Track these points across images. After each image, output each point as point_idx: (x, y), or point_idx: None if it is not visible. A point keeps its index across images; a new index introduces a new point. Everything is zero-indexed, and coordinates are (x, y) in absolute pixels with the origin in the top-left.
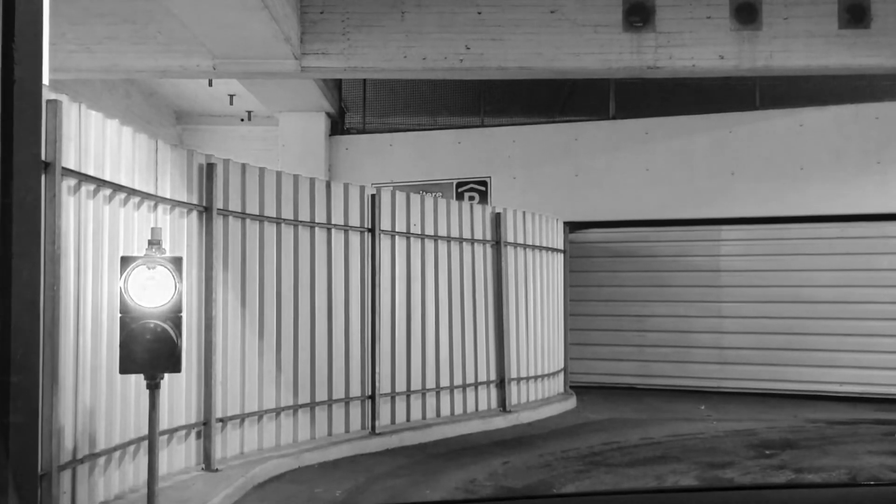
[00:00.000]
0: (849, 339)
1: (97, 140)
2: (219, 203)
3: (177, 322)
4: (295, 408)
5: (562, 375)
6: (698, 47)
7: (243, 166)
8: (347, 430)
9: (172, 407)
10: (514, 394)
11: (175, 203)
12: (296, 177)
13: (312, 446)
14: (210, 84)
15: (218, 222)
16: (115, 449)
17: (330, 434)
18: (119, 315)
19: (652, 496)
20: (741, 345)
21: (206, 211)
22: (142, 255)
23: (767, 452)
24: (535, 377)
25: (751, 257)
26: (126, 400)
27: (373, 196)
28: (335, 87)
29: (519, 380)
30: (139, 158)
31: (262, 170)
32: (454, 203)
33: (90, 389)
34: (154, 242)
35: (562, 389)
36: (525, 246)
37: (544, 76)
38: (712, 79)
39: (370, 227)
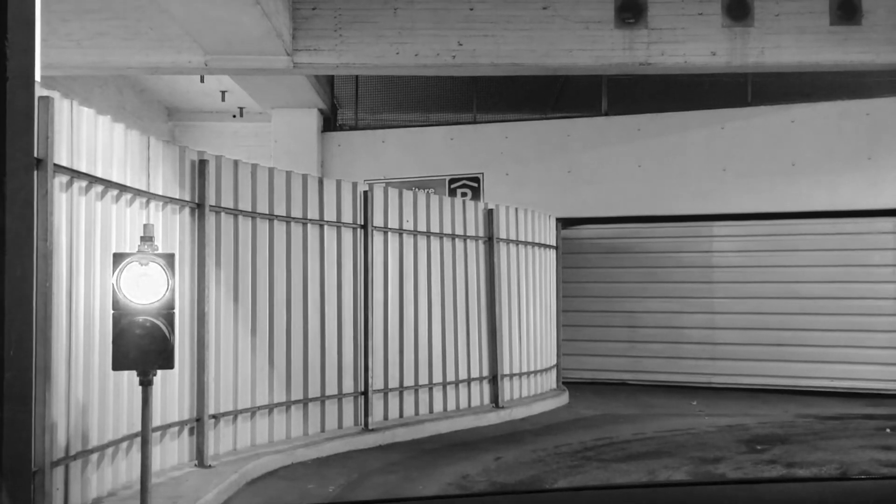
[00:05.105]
0: (840, 335)
1: (89, 136)
2: (211, 199)
3: (169, 318)
4: (288, 404)
5: (554, 371)
6: (690, 43)
7: (235, 163)
8: (340, 427)
9: (165, 403)
10: (507, 390)
11: (167, 199)
12: (288, 173)
13: (305, 442)
14: (202, 80)
15: (210, 219)
16: (108, 445)
17: (323, 430)
18: (112, 311)
19: (644, 491)
20: (733, 340)
21: (198, 207)
22: (134, 251)
23: (759, 447)
24: (528, 373)
25: (742, 253)
26: (119, 396)
27: (365, 192)
28: (327, 84)
29: (511, 376)
30: (131, 155)
31: (254, 166)
32: (447, 199)
33: (83, 386)
34: (146, 239)
35: (554, 385)
36: (518, 242)
37: (536, 72)
38: (704, 75)
39: (363, 223)
